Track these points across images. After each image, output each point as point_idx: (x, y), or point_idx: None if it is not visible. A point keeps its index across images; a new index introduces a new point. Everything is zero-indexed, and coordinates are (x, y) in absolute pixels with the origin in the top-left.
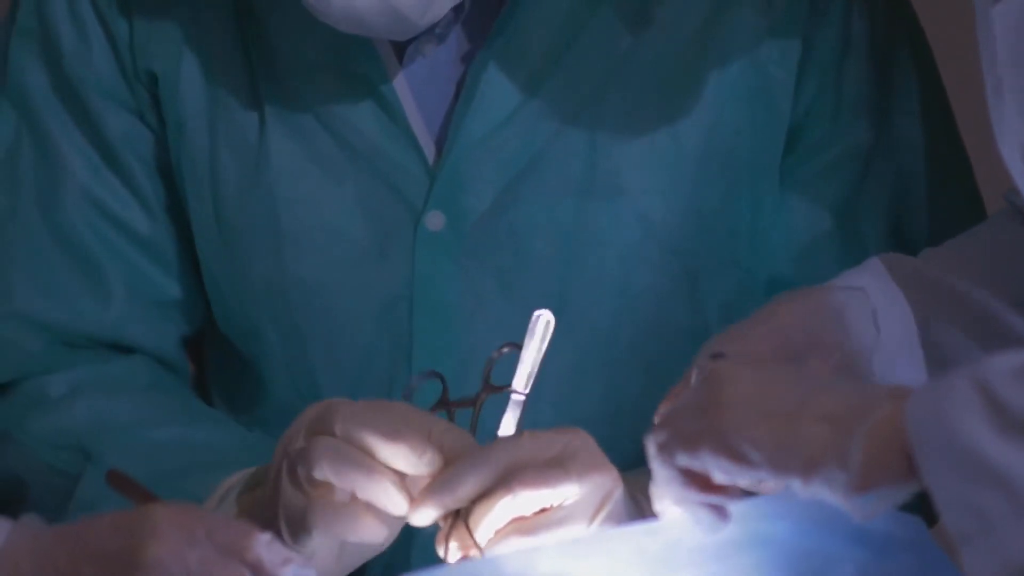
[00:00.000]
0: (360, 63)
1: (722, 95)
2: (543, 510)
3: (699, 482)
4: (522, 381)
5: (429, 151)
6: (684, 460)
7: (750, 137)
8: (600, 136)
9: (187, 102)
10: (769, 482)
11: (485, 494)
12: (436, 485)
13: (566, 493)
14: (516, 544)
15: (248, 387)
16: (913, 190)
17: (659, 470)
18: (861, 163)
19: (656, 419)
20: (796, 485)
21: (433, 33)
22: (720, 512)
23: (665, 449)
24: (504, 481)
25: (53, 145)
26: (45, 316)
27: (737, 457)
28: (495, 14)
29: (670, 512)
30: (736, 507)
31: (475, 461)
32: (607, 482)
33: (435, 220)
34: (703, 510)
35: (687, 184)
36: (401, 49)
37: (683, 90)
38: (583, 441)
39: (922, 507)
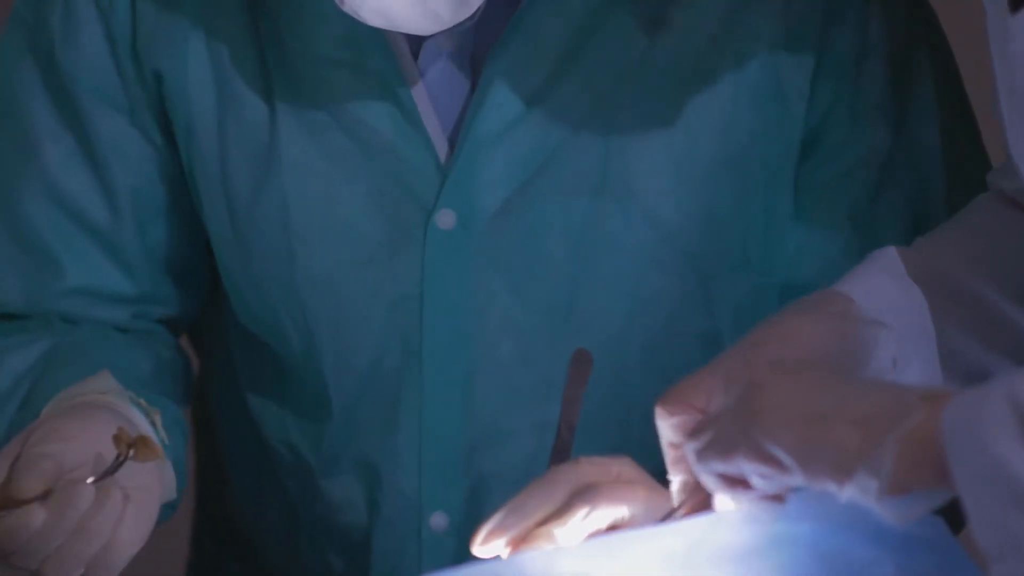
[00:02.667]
0: (374, 60)
1: (737, 98)
2: (612, 527)
3: (740, 485)
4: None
5: (441, 149)
6: (720, 467)
7: (764, 141)
8: (614, 138)
9: (195, 101)
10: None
11: (557, 513)
12: (507, 514)
13: (634, 510)
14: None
15: (271, 370)
16: (931, 195)
17: (701, 477)
18: (879, 168)
19: (663, 409)
20: (831, 489)
21: (449, 30)
22: (776, 498)
23: (702, 457)
24: (580, 496)
25: (31, 134)
26: None
27: (770, 462)
28: (511, 13)
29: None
30: (757, 508)
31: (544, 485)
32: (665, 502)
33: (446, 218)
34: (756, 504)
35: (700, 187)
36: (416, 46)
37: (698, 93)
38: (633, 465)
39: (944, 509)
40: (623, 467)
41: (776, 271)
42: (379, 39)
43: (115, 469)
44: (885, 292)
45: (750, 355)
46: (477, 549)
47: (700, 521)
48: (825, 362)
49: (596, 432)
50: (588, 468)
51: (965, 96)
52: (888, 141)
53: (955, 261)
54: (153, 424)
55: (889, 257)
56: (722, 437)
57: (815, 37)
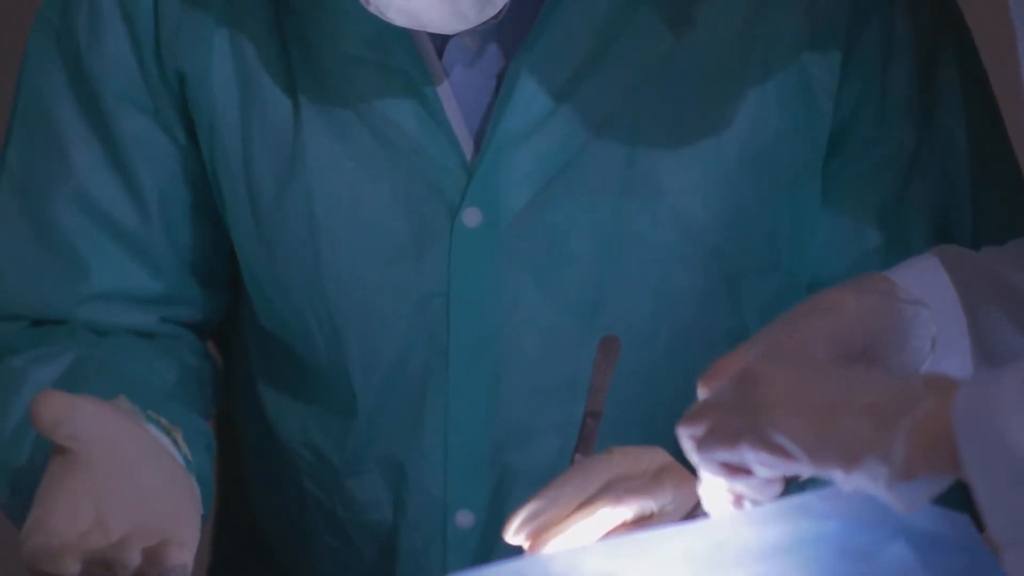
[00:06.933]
0: (400, 59)
1: (763, 96)
2: (638, 521)
3: (741, 473)
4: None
5: (467, 147)
6: (724, 456)
7: (791, 139)
8: (639, 136)
9: (218, 99)
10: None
11: (586, 503)
12: (540, 505)
13: (663, 502)
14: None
15: (293, 370)
16: (958, 192)
17: (701, 465)
18: (906, 165)
19: (706, 385)
20: (837, 477)
21: (474, 29)
22: (773, 483)
23: (704, 445)
24: (607, 491)
25: (59, 138)
26: (13, 307)
27: (777, 452)
28: (535, 11)
29: (719, 511)
30: (782, 506)
31: (576, 476)
32: (695, 493)
33: (472, 217)
34: (758, 489)
35: (726, 186)
36: (441, 45)
37: (724, 91)
38: (664, 455)
39: (971, 507)
40: (655, 457)
41: (804, 270)
42: (405, 38)
43: None
44: (927, 281)
45: (795, 327)
46: (511, 537)
47: (724, 520)
48: (866, 337)
49: (621, 430)
50: (620, 460)
51: (991, 93)
52: (915, 138)
53: (1002, 261)
54: (175, 442)
55: (931, 258)
56: (725, 426)
57: (841, 34)
